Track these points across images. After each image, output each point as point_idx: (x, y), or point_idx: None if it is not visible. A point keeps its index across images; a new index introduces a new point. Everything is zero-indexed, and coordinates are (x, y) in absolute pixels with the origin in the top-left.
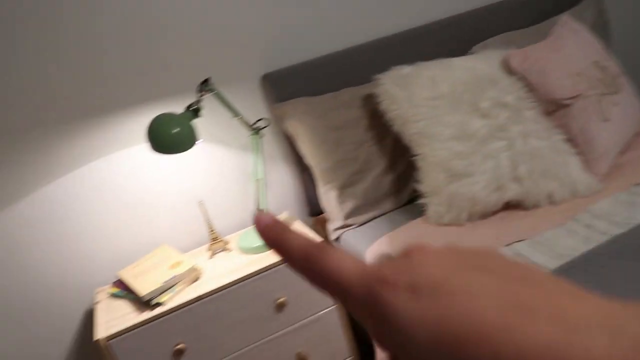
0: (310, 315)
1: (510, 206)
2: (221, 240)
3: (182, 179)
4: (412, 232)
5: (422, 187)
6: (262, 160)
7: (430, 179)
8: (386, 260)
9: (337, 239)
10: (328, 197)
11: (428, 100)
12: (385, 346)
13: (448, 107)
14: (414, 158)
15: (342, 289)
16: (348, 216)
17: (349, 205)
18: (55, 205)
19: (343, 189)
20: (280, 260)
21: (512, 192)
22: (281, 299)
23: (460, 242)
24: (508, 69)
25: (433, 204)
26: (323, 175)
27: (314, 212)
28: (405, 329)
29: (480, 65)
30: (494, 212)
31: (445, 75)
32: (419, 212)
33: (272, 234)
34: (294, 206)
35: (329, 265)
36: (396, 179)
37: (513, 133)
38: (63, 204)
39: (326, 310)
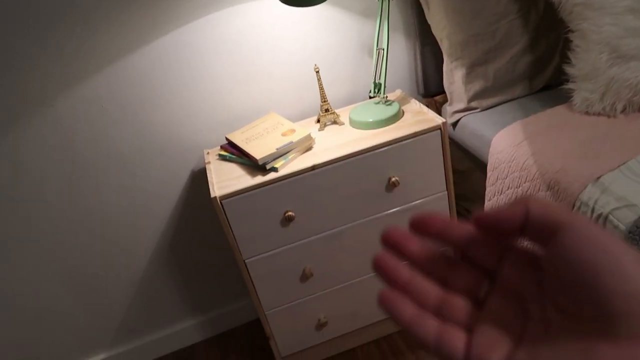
0: (420, 199)
1: None
2: (333, 112)
3: (297, 43)
4: (553, 120)
5: (574, 70)
6: (387, 28)
7: (588, 60)
8: None
9: (456, 122)
10: (453, 76)
11: None
12: None
13: None
14: (568, 35)
15: None
16: (473, 98)
17: (477, 86)
18: (167, 59)
19: (472, 67)
20: (395, 140)
21: None
22: (394, 179)
23: (610, 135)
24: None
25: (584, 90)
26: (452, 49)
27: (429, 92)
28: None
29: None
30: None
31: None
32: (557, 99)
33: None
34: (408, 84)
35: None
36: (534, 61)
37: None
38: (177, 57)
39: (436, 196)
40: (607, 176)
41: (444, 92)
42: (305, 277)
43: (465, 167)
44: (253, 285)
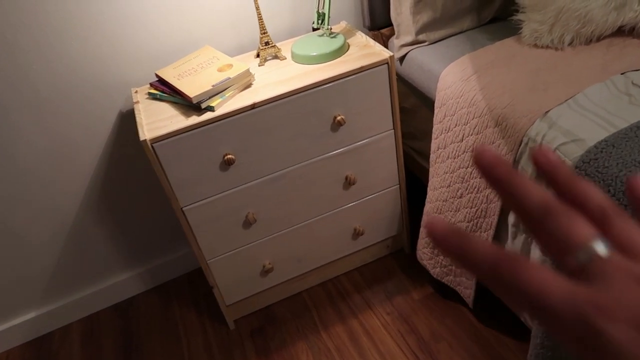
0: (366, 138)
1: (621, 33)
2: (274, 46)
3: None
4: (501, 53)
5: (523, 0)
6: None
7: None
8: (601, 284)
9: (403, 57)
10: (401, 6)
11: None
12: None
13: None
14: None
15: (543, 308)
16: (421, 31)
17: (425, 17)
18: None
19: None
20: (340, 75)
21: (632, 13)
22: (339, 117)
23: (558, 68)
24: None
25: (533, 21)
26: None
27: (375, 25)
28: None
29: None
30: (600, 38)
31: None
32: (506, 32)
33: (452, 243)
34: (353, 16)
35: (527, 280)
36: None
37: None
38: None
39: (382, 134)
40: (555, 110)
41: (391, 24)
42: (248, 223)
43: (412, 104)
44: (193, 233)
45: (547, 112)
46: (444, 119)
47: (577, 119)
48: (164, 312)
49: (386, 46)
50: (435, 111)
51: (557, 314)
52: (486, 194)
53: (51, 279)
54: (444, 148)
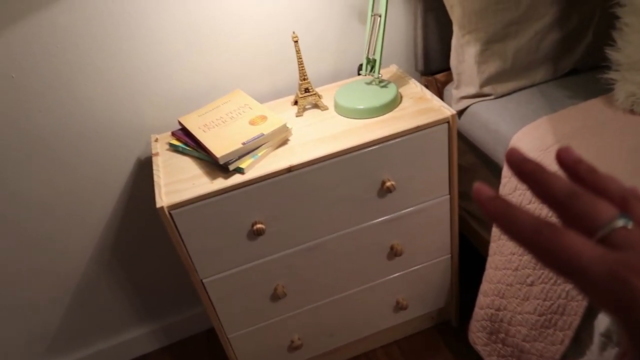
0: (416, 205)
1: None
2: (314, 93)
3: (269, 7)
4: (589, 119)
5: (620, 56)
6: None
7: (638, 44)
8: (628, 249)
9: (463, 110)
10: (464, 53)
11: None
12: (625, 327)
13: None
14: (614, 9)
15: (578, 269)
16: (487, 82)
17: (492, 67)
18: (100, 18)
19: (489, 44)
20: (393, 136)
21: None
22: (389, 183)
23: None
24: None
25: (630, 82)
26: (466, 19)
27: (429, 69)
28: None
29: None
30: None
31: None
32: (587, 87)
33: (497, 208)
34: (403, 57)
35: (564, 244)
36: (562, 38)
37: None
38: (111, 16)
39: (436, 201)
40: None
41: (447, 69)
42: (276, 296)
43: (470, 162)
44: (213, 307)
45: None
46: (513, 191)
47: None
48: None
49: (441, 94)
50: (503, 181)
51: (589, 273)
52: (566, 288)
53: (55, 336)
54: None
